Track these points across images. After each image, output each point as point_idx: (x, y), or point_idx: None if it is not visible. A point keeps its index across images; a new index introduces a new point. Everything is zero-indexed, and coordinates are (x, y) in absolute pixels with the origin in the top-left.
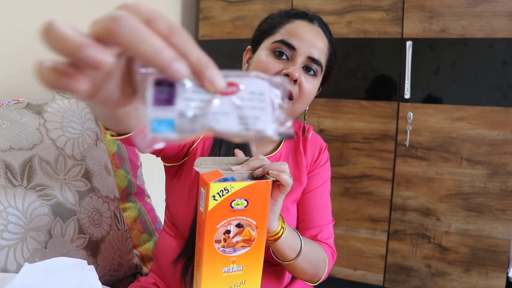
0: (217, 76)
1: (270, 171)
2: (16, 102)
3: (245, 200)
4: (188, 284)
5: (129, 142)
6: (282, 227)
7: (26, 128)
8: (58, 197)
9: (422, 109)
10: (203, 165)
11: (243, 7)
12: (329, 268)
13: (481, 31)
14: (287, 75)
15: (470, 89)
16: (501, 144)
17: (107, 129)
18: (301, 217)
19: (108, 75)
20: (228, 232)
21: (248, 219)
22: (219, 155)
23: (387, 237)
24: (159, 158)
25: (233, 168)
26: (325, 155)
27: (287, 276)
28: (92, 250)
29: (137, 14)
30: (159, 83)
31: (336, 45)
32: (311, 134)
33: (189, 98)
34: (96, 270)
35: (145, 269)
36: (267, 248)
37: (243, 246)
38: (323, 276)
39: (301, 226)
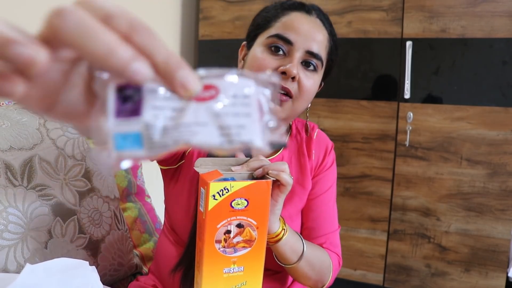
0: (191, 79)
1: (270, 171)
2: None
3: (245, 199)
4: None
5: None
6: (283, 229)
7: (26, 128)
8: (58, 197)
9: (422, 109)
10: (203, 165)
11: (243, 7)
12: (334, 276)
13: (481, 31)
14: (284, 72)
15: (470, 89)
16: (501, 144)
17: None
18: (306, 224)
19: (66, 83)
20: (228, 232)
21: (249, 219)
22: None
23: (387, 237)
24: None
25: (233, 168)
26: (331, 156)
27: (289, 282)
28: (92, 250)
29: (91, 9)
30: (122, 90)
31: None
32: (316, 132)
33: (158, 107)
34: (96, 270)
35: (145, 269)
36: (270, 255)
37: (244, 247)
38: (327, 283)
39: (306, 234)
